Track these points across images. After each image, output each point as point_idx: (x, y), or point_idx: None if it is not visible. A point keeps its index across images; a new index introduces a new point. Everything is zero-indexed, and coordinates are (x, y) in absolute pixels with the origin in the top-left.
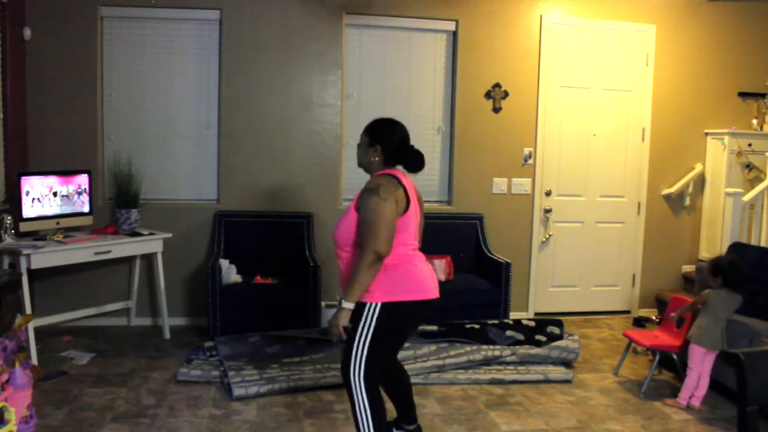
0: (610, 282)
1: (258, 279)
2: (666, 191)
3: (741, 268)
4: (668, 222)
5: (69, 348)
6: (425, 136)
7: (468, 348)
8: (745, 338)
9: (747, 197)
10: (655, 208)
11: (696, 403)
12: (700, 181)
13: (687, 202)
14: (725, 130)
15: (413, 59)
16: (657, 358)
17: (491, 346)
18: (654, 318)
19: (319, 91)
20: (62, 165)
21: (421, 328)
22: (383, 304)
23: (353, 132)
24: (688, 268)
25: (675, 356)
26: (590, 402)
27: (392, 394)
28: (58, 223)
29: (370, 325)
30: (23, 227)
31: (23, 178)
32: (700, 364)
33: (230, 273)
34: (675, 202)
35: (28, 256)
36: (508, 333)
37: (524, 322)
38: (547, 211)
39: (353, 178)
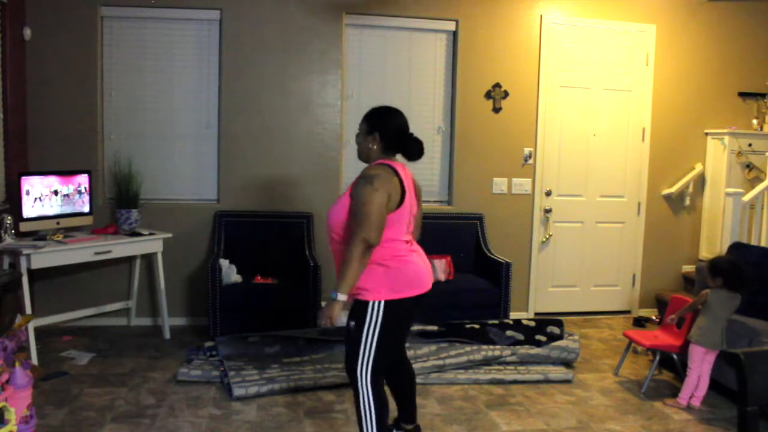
0: (610, 282)
1: (258, 279)
2: (666, 191)
3: (741, 269)
4: (668, 222)
5: (69, 348)
6: (425, 136)
7: (468, 348)
8: (745, 338)
9: (747, 197)
10: (655, 208)
11: (696, 403)
12: (700, 181)
13: (687, 202)
14: (725, 130)
15: (413, 59)
16: (657, 358)
17: (491, 346)
18: (654, 318)
19: (319, 91)
20: (62, 165)
21: (421, 327)
22: (386, 302)
23: (353, 132)
24: (688, 268)
25: (675, 356)
26: (590, 402)
27: (395, 388)
28: (58, 223)
29: (375, 323)
30: (23, 227)
31: (23, 177)
32: (700, 364)
33: (230, 273)
34: (675, 202)
35: (28, 256)
36: (508, 333)
37: (524, 322)
38: (547, 211)
39: (353, 178)
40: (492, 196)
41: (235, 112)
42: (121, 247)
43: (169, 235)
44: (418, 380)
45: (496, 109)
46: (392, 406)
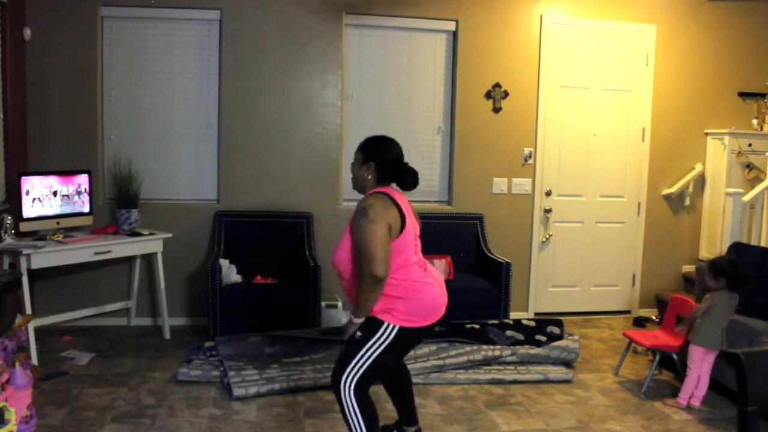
0: (610, 282)
1: (258, 279)
2: (666, 191)
3: (740, 268)
4: (668, 222)
5: (69, 348)
6: (425, 136)
7: (468, 348)
8: (745, 338)
9: (747, 197)
10: (655, 208)
11: (696, 403)
12: (700, 181)
13: (687, 202)
14: (725, 130)
15: (413, 59)
16: (657, 358)
17: (491, 346)
18: (654, 318)
19: (319, 91)
20: (62, 165)
21: None
22: (401, 329)
23: (353, 132)
24: (688, 268)
25: (675, 356)
26: (590, 402)
27: (392, 391)
28: (58, 223)
29: (382, 343)
30: (23, 227)
31: (23, 177)
32: (700, 364)
33: (230, 273)
34: (675, 202)
35: (28, 256)
36: (508, 333)
37: (524, 322)
38: (547, 211)
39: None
40: (492, 196)
41: (235, 112)
42: (121, 247)
43: (169, 235)
44: (418, 380)
45: (496, 109)
46: (392, 406)
